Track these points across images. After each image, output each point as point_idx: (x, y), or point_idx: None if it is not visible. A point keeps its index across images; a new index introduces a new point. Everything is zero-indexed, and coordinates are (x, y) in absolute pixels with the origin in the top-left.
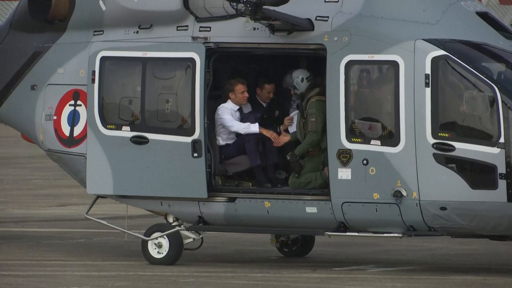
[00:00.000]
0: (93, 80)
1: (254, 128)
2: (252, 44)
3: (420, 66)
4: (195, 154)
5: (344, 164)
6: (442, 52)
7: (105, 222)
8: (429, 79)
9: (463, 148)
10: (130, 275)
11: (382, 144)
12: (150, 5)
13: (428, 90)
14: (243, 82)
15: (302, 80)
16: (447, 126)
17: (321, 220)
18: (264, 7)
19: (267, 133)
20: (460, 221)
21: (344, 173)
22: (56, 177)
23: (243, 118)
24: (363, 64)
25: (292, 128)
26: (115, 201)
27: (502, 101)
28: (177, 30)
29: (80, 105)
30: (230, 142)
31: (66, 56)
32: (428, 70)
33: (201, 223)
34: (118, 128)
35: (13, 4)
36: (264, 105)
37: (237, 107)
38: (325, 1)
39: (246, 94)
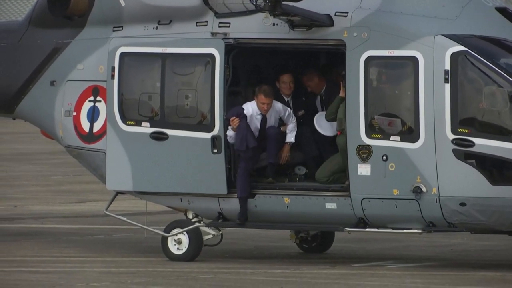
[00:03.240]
0: (112, 76)
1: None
2: (271, 39)
3: (440, 62)
4: (215, 150)
5: (364, 160)
6: (461, 48)
7: (124, 219)
8: (448, 75)
9: (483, 144)
10: (149, 271)
11: (401, 140)
12: (170, 1)
13: (447, 86)
14: (266, 95)
15: None
16: (467, 122)
17: (341, 216)
18: (283, 2)
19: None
20: (479, 217)
21: (364, 169)
22: (75, 173)
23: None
24: (383, 59)
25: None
26: (134, 197)
27: None
28: (196, 26)
29: (100, 101)
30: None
31: (85, 52)
32: (447, 66)
33: (220, 219)
34: (138, 124)
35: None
36: (286, 99)
37: (260, 112)
38: None
39: (265, 107)
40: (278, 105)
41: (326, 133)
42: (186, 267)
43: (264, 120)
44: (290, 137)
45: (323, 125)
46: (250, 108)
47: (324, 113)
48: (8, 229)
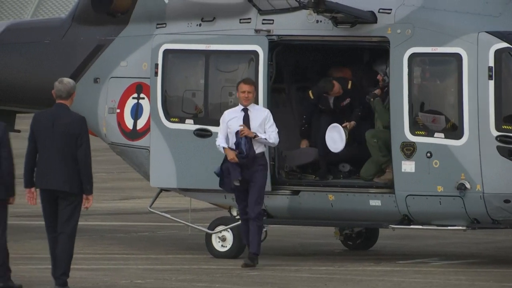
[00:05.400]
0: (156, 73)
1: (221, 148)
2: (315, 36)
3: (483, 59)
4: None
5: (408, 156)
6: (505, 45)
7: (168, 216)
8: (492, 72)
9: None
10: (193, 268)
11: (445, 137)
12: None
13: (491, 83)
14: (246, 82)
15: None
16: (511, 119)
17: (385, 213)
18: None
19: (229, 152)
20: None
21: (408, 166)
22: (119, 170)
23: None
24: (426, 56)
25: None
26: (178, 194)
27: None
28: (240, 22)
29: (143, 98)
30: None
31: (129, 49)
32: (491, 63)
33: (265, 216)
34: (182, 121)
35: None
36: (331, 99)
37: (241, 108)
38: None
39: (245, 95)
40: (264, 109)
41: (337, 147)
42: (231, 264)
43: (247, 117)
44: (263, 135)
45: (335, 138)
46: (226, 113)
47: (336, 125)
48: None
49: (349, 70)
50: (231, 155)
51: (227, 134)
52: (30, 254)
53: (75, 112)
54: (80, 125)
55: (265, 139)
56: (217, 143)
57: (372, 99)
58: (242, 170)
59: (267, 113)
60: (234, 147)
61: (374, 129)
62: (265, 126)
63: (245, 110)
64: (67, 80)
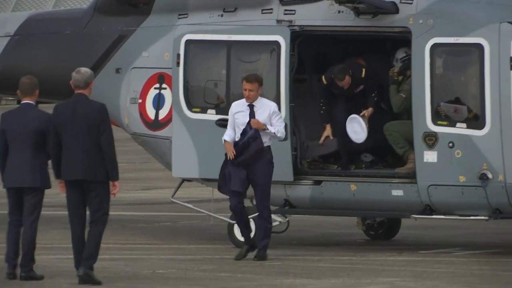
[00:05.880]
0: (178, 64)
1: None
2: (336, 27)
3: (505, 49)
4: None
5: (430, 147)
6: None
7: (191, 206)
8: None
9: None
10: (215, 258)
11: (467, 127)
12: None
13: None
14: (248, 80)
15: (396, 61)
16: None
17: (407, 203)
18: None
19: (228, 147)
20: None
21: (430, 156)
22: (141, 160)
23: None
24: (448, 47)
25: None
26: (200, 184)
27: None
28: (261, 13)
29: (165, 89)
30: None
31: (150, 39)
32: None
33: (287, 206)
34: (203, 111)
35: None
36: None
37: (247, 103)
38: None
39: (246, 93)
40: (271, 102)
41: (359, 138)
42: (253, 254)
43: (252, 114)
44: (272, 129)
45: (356, 129)
46: (234, 105)
47: (354, 116)
48: None
49: (363, 60)
50: (229, 150)
51: (235, 127)
52: (51, 244)
53: (95, 101)
54: (101, 113)
55: (274, 133)
56: (224, 136)
57: (392, 79)
58: (245, 167)
59: (274, 107)
60: (239, 137)
61: (390, 122)
62: (272, 120)
63: (251, 106)
64: (84, 70)
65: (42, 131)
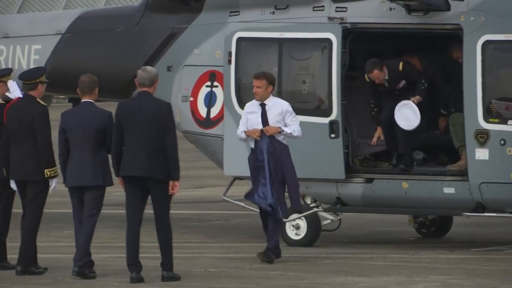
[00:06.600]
0: (229, 61)
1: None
2: (388, 24)
3: None
4: (333, 135)
5: (482, 144)
6: None
7: (242, 204)
8: None
9: None
10: None
11: None
12: None
13: None
14: (257, 77)
15: None
16: None
17: (459, 200)
18: None
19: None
20: None
21: (482, 154)
22: (193, 158)
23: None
24: (500, 44)
25: None
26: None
27: None
28: (313, 10)
29: (217, 86)
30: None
31: (202, 37)
32: None
33: (338, 204)
34: None
35: None
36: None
37: (258, 102)
38: None
39: (254, 90)
40: (283, 102)
41: (411, 124)
42: (304, 252)
43: (264, 114)
44: (287, 130)
45: (408, 115)
46: (247, 105)
47: (406, 102)
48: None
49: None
50: (253, 132)
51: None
52: (103, 243)
53: (161, 99)
54: (167, 111)
55: (290, 133)
56: (237, 132)
57: None
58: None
59: (286, 106)
60: (253, 146)
61: (457, 113)
62: (286, 120)
63: (263, 105)
64: (150, 68)
65: (102, 129)
